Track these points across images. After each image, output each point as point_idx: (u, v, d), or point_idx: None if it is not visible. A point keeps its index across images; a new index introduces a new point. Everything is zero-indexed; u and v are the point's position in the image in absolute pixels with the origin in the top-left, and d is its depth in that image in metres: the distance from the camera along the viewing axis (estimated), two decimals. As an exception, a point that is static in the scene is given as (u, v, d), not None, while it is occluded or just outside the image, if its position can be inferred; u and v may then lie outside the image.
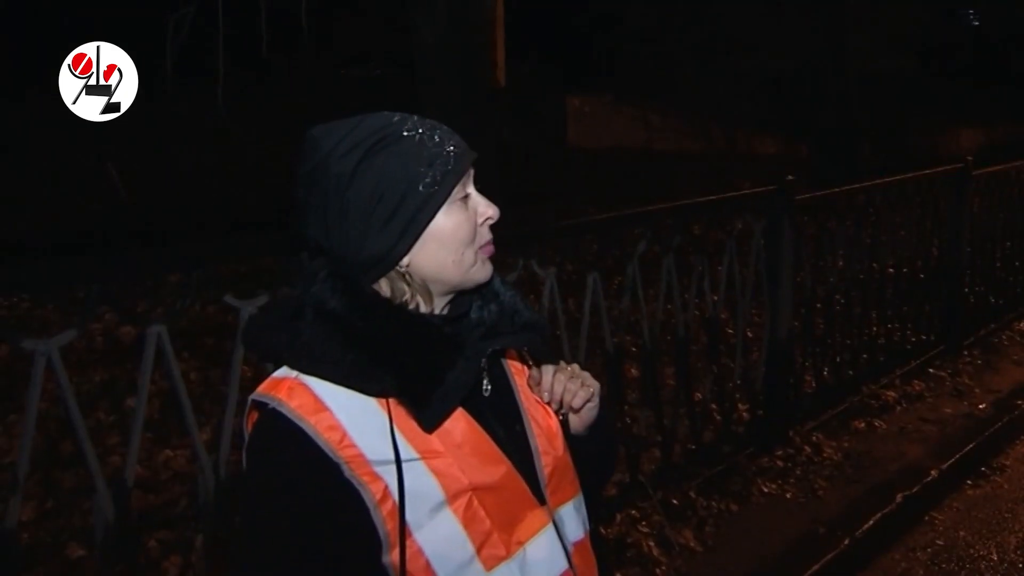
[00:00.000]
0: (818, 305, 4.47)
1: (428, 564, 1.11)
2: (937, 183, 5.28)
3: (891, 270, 5.07)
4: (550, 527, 1.20)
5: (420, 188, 1.12)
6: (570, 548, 1.23)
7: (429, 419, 1.12)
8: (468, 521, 1.12)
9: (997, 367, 5.29)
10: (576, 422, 1.32)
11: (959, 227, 5.38)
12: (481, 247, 1.19)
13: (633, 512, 3.35)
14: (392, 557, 1.10)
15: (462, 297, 1.22)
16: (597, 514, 1.44)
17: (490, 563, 1.14)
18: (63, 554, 3.08)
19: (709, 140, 12.21)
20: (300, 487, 1.08)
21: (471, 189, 1.19)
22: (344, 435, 1.09)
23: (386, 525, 1.09)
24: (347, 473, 1.08)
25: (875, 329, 4.91)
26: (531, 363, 1.31)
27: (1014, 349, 5.63)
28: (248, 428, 1.16)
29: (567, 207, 8.66)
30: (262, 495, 1.11)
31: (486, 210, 1.19)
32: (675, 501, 3.49)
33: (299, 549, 1.08)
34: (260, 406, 1.13)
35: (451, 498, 1.12)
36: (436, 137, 1.15)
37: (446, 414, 1.13)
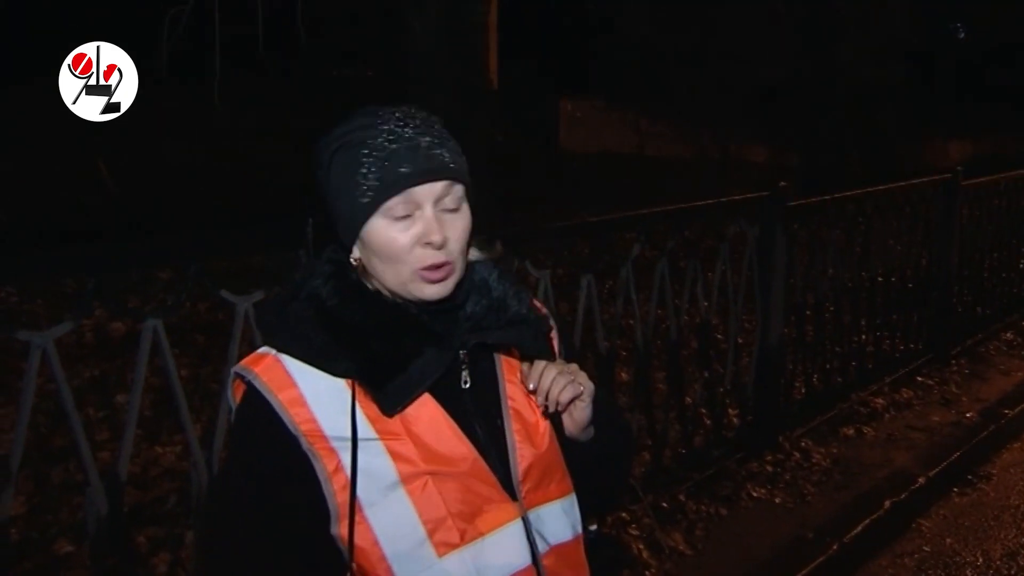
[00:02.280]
0: (808, 312, 4.49)
1: (376, 541, 1.15)
2: (927, 193, 5.32)
3: (880, 279, 5.11)
4: (518, 523, 1.20)
5: (356, 196, 1.16)
6: (544, 548, 1.22)
7: (388, 403, 1.16)
8: (421, 505, 1.15)
9: (984, 376, 5.34)
10: (568, 423, 1.30)
11: (948, 237, 5.42)
12: (420, 269, 1.18)
13: (623, 515, 3.35)
14: (340, 530, 1.16)
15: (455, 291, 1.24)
16: (603, 519, 1.44)
17: (442, 549, 1.16)
18: (51, 549, 3.07)
19: (700, 147, 12.25)
20: (261, 453, 1.17)
21: (425, 209, 1.18)
22: (307, 410, 1.16)
23: (336, 498, 1.15)
24: (304, 446, 1.15)
25: (864, 337, 4.94)
26: (522, 358, 1.29)
27: (1001, 359, 5.68)
28: (234, 398, 1.23)
29: (558, 211, 8.66)
30: (232, 457, 1.25)
31: (426, 234, 1.17)
32: (665, 504, 3.51)
33: (255, 509, 1.17)
34: (240, 378, 1.21)
35: (405, 479, 1.15)
36: (394, 149, 1.16)
37: (407, 400, 1.17)
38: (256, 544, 1.17)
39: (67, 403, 2.05)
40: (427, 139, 1.18)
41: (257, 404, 1.17)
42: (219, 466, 2.33)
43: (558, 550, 1.24)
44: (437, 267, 1.19)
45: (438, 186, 1.18)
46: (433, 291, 1.20)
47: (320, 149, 1.21)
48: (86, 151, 8.81)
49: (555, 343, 1.36)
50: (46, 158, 9.40)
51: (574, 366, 1.30)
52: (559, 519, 1.25)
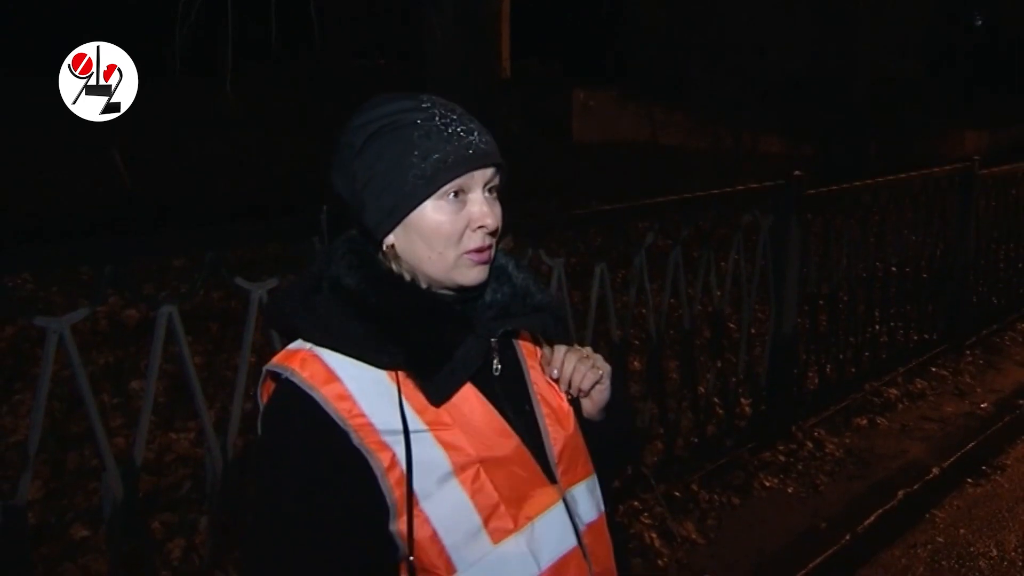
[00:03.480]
0: (822, 302, 4.47)
1: (435, 533, 1.13)
2: (943, 182, 5.28)
3: (895, 269, 5.08)
4: (560, 505, 1.22)
5: (409, 178, 1.15)
6: (582, 528, 1.24)
7: (436, 393, 1.15)
8: (475, 493, 1.15)
9: (999, 367, 5.31)
10: (588, 405, 1.32)
11: (964, 227, 5.38)
12: (468, 252, 1.18)
13: (635, 503, 3.36)
14: (399, 525, 1.13)
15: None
16: (611, 498, 1.45)
17: (497, 535, 1.16)
18: (67, 534, 3.10)
19: (715, 138, 12.17)
20: (310, 453, 1.12)
21: (476, 193, 1.18)
22: (354, 405, 1.12)
23: (394, 493, 1.12)
24: (355, 441, 1.11)
25: (878, 327, 4.91)
26: (543, 344, 1.31)
27: (1016, 349, 5.65)
28: (263, 398, 1.20)
29: (571, 201, 8.65)
30: (274, 461, 1.15)
31: (480, 218, 1.18)
32: (677, 493, 3.51)
33: (308, 512, 1.11)
34: (275, 376, 1.17)
35: (458, 469, 1.14)
36: (451, 132, 1.16)
37: (454, 389, 1.16)
38: (310, 546, 1.12)
39: (84, 388, 2.06)
40: (475, 124, 1.19)
41: (298, 401, 1.12)
42: (234, 455, 2.34)
43: (590, 528, 1.26)
44: (481, 250, 1.19)
45: (489, 171, 1.19)
46: (476, 274, 1.20)
47: (350, 133, 1.18)
48: (101, 144, 8.86)
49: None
50: (62, 151, 9.46)
51: (589, 349, 1.32)
52: (586, 498, 1.27)
